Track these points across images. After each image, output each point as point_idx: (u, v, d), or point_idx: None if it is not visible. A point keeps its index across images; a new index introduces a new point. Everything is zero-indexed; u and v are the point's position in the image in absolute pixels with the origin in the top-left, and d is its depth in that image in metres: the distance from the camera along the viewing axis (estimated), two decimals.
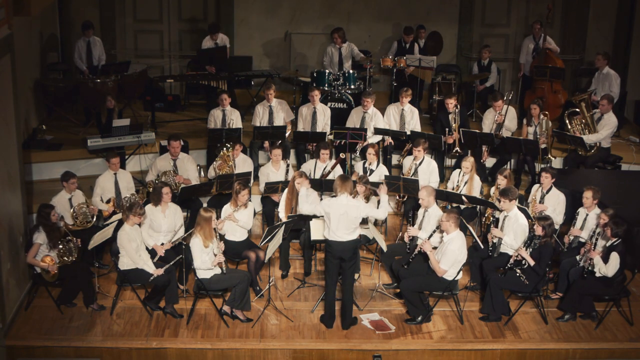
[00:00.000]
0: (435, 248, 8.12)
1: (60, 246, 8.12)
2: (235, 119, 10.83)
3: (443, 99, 11.23)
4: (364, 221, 8.23)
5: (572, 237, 8.74)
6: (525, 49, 12.60)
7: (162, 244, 8.50)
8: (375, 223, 9.14)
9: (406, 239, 8.53)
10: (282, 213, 8.94)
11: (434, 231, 8.29)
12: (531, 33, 12.65)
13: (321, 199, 9.16)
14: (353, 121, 11.00)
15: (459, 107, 10.85)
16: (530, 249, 8.02)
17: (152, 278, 7.99)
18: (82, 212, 8.82)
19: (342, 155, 9.97)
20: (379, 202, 8.18)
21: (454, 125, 10.75)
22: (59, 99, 11.69)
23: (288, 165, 9.90)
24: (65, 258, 8.14)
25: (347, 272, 7.86)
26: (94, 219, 8.90)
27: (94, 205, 9.03)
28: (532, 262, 7.95)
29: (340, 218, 7.68)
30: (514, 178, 9.73)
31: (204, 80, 11.94)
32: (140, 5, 13.62)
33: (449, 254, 7.87)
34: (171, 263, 8.09)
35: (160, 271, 8.00)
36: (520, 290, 8.11)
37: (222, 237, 8.38)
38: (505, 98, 10.92)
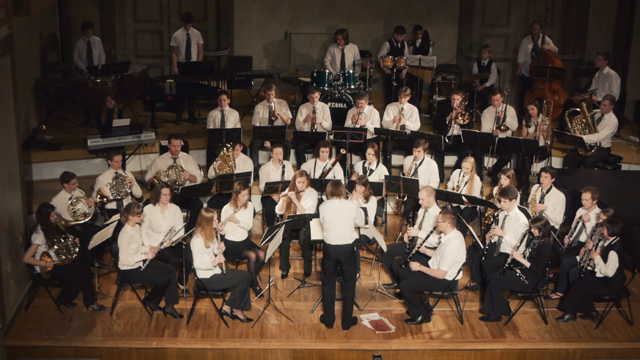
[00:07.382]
0: (433, 248, 8.14)
1: (56, 247, 8.09)
2: (234, 120, 10.84)
3: (448, 97, 11.20)
4: (365, 221, 8.23)
5: (579, 220, 8.69)
6: (524, 49, 12.57)
7: (162, 244, 8.49)
8: (375, 223, 9.14)
9: (406, 239, 8.52)
10: (279, 210, 8.96)
11: (431, 232, 8.29)
12: (530, 33, 12.63)
13: (320, 199, 9.18)
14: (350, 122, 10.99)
15: (466, 101, 10.86)
16: (530, 249, 8.03)
17: (146, 262, 8.02)
18: (80, 205, 8.78)
19: (342, 151, 9.96)
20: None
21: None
22: (59, 99, 11.67)
23: (284, 166, 9.89)
24: (63, 256, 8.13)
25: (346, 274, 7.85)
26: (92, 209, 8.86)
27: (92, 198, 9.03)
28: (527, 264, 7.95)
29: (333, 219, 7.68)
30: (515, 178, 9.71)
31: (203, 80, 11.94)
32: (140, 5, 13.61)
33: (448, 255, 7.86)
34: (163, 244, 8.21)
35: (155, 250, 8.07)
36: (520, 290, 8.11)
37: (222, 238, 8.38)
38: (504, 93, 10.92)
